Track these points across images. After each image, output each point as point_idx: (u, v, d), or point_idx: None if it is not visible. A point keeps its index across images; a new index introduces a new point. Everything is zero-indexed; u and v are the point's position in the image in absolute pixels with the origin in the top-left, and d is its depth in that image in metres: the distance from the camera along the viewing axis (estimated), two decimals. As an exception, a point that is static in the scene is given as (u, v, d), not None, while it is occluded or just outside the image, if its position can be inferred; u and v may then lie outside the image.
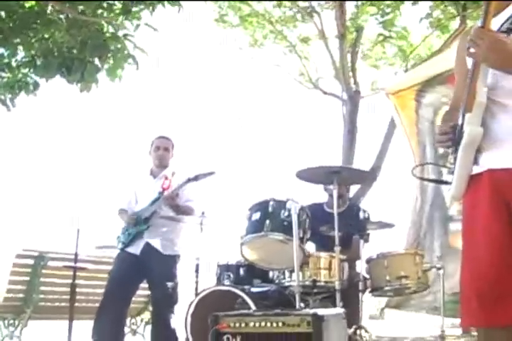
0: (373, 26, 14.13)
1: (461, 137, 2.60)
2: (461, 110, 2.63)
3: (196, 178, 6.04)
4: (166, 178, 6.33)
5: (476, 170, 2.63)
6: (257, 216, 5.35)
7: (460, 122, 2.63)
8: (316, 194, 6.66)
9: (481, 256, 2.57)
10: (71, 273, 5.73)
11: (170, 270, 6.14)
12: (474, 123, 2.57)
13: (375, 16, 13.81)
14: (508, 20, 2.63)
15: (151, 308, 7.09)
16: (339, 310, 4.44)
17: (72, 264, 5.78)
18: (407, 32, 14.07)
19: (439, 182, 3.01)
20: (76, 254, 5.73)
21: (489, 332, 2.58)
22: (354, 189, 11.91)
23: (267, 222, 5.22)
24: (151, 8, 8.38)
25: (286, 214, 5.22)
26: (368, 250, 5.92)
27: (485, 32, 2.48)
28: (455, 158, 2.67)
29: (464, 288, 2.62)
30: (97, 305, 6.19)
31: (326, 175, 5.31)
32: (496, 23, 2.66)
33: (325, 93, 14.36)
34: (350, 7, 13.44)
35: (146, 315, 8.22)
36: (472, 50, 2.50)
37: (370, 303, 7.88)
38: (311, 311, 3.71)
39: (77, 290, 5.68)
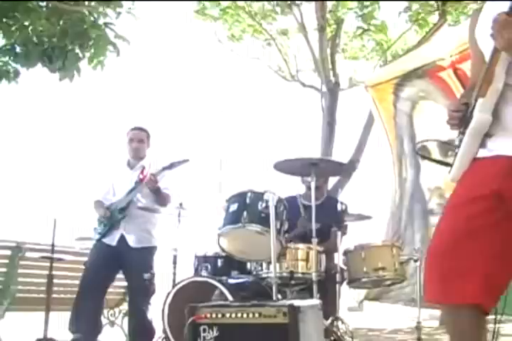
0: (352, 19, 14.16)
1: (470, 121, 2.57)
2: (475, 93, 2.59)
3: (171, 166, 6.08)
4: (143, 169, 6.32)
5: (483, 153, 2.60)
6: (234, 207, 5.35)
7: (472, 105, 2.59)
8: (293, 186, 6.66)
9: (453, 229, 2.57)
10: (49, 264, 5.72)
11: (146, 261, 6.17)
12: (485, 110, 2.53)
13: (354, 10, 13.84)
14: None
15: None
16: (315, 301, 4.45)
17: (49, 255, 5.77)
18: (386, 26, 14.09)
19: (442, 163, 2.96)
20: (53, 245, 5.72)
21: (450, 309, 2.57)
22: (332, 181, 11.96)
23: (245, 213, 5.22)
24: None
25: (264, 205, 5.23)
26: (346, 242, 5.96)
27: (510, 22, 2.37)
28: (461, 140, 2.65)
29: (428, 262, 2.62)
30: (76, 296, 6.19)
31: (303, 166, 5.33)
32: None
33: (304, 85, 14.37)
34: None
35: (125, 307, 8.19)
36: (494, 36, 2.42)
37: (349, 295, 7.92)
38: (288, 302, 3.72)
39: (56, 281, 5.68)
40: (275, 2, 13.57)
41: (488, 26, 2.43)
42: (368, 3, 13.57)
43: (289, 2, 13.21)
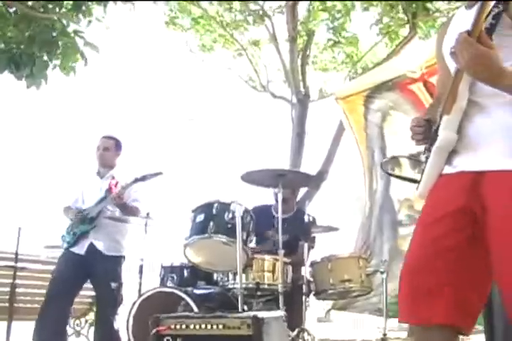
0: (324, 31, 14.21)
1: (436, 139, 2.58)
2: (440, 110, 2.60)
3: (143, 178, 6.02)
4: (113, 178, 6.28)
5: (448, 170, 2.61)
6: (201, 218, 5.37)
7: (438, 122, 2.59)
8: (267, 195, 6.65)
9: (422, 249, 2.57)
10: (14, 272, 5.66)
11: (114, 270, 6.11)
12: (450, 128, 2.54)
13: (325, 22, 13.89)
14: (489, 14, 2.49)
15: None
16: (280, 312, 4.45)
17: (13, 264, 5.71)
18: (357, 38, 14.15)
19: (409, 179, 2.97)
20: (16, 253, 5.66)
21: (421, 329, 2.54)
22: (301, 192, 11.95)
23: (211, 223, 5.24)
24: (102, 5, 8.32)
25: (231, 216, 5.25)
26: (314, 253, 5.96)
27: (470, 43, 2.35)
28: (427, 158, 2.66)
29: (401, 282, 2.60)
30: (42, 305, 6.12)
31: (271, 178, 5.34)
32: (467, 17, 2.56)
33: (274, 96, 14.37)
34: (301, 11, 13.47)
35: (91, 316, 8.13)
36: (455, 56, 2.41)
37: (317, 306, 7.91)
38: (252, 314, 3.72)
39: (22, 290, 5.60)
40: (247, 12, 13.58)
41: (453, 43, 2.43)
42: (339, 15, 13.63)
43: (261, 13, 13.23)
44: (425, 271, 2.51)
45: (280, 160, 13.80)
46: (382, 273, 5.74)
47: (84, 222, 6.15)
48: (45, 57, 8.23)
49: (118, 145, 6.51)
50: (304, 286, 5.51)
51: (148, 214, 5.96)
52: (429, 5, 11.96)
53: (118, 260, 6.18)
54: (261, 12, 13.30)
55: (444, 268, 2.48)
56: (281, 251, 5.17)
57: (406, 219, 7.74)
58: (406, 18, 12.44)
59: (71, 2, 8.45)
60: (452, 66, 2.57)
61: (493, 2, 2.49)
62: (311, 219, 5.98)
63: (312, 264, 5.73)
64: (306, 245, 5.60)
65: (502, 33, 2.51)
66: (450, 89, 2.54)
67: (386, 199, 8.14)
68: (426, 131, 2.70)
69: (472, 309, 2.52)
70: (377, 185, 8.30)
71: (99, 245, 6.10)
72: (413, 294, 2.52)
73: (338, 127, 12.31)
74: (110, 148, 6.45)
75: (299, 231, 5.79)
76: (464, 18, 2.65)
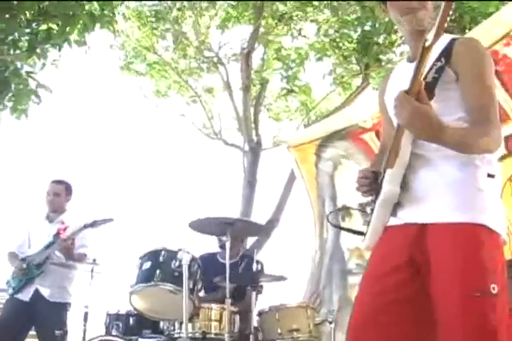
0: (278, 80, 14.35)
1: (380, 192, 2.59)
2: (383, 163, 2.61)
3: (93, 224, 5.94)
4: (63, 223, 6.19)
5: (393, 222, 2.62)
6: (147, 265, 5.31)
7: (382, 175, 2.60)
8: (212, 243, 6.61)
9: (366, 303, 2.56)
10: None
11: (59, 318, 6.01)
12: (393, 182, 2.55)
13: (279, 71, 14.04)
14: (431, 68, 2.57)
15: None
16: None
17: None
18: (310, 88, 14.31)
19: (354, 232, 2.96)
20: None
21: None
22: (251, 240, 11.90)
23: (158, 271, 5.19)
24: (57, 47, 8.27)
25: (177, 264, 5.20)
26: (262, 302, 5.90)
27: (408, 101, 2.38)
28: (372, 210, 2.67)
29: (347, 337, 2.58)
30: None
31: (219, 226, 5.31)
32: (408, 70, 2.60)
33: (227, 144, 14.41)
34: (256, 60, 13.62)
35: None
36: (395, 111, 2.44)
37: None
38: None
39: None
40: (201, 60, 13.66)
41: (393, 97, 2.46)
42: (293, 64, 13.79)
43: (215, 60, 13.32)
44: (370, 327, 2.50)
45: (231, 208, 13.77)
46: (330, 322, 5.68)
47: (30, 269, 6.04)
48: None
49: (68, 189, 6.44)
50: (251, 336, 5.43)
51: (94, 260, 5.85)
52: (381, 56, 12.17)
53: (63, 307, 6.09)
54: (216, 59, 13.39)
55: (388, 322, 2.48)
56: (228, 300, 5.11)
57: (356, 268, 7.72)
58: (359, 69, 12.63)
59: (26, 44, 8.39)
60: (395, 119, 2.58)
61: (434, 57, 2.56)
62: (259, 268, 5.94)
63: (260, 313, 5.66)
64: (254, 293, 5.54)
65: (446, 87, 2.54)
66: (392, 143, 2.56)
67: (336, 248, 8.12)
68: (371, 183, 2.71)
69: None
70: (327, 234, 8.29)
71: (45, 292, 6.00)
72: None
73: (289, 175, 12.36)
74: (60, 193, 6.38)
75: (247, 279, 5.73)
76: (405, 71, 2.69)
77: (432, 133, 2.38)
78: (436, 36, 2.38)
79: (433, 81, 2.55)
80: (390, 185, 2.56)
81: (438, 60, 2.59)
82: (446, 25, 2.40)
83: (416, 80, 2.42)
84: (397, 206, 2.59)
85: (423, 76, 2.50)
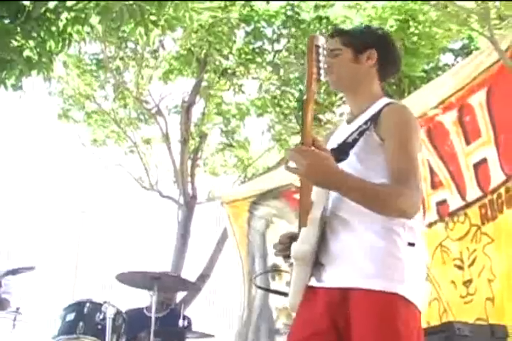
0: (217, 134, 14.41)
1: None
2: (298, 223, 2.56)
3: (15, 272, 5.83)
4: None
5: (315, 283, 2.57)
6: (71, 317, 5.24)
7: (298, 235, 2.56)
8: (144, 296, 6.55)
9: None
10: None
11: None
12: (305, 241, 2.49)
13: (218, 125, 14.12)
14: (357, 130, 2.59)
15: None
16: None
17: None
18: (248, 142, 14.41)
19: (278, 292, 2.94)
20: None
21: None
22: (181, 295, 11.77)
23: (81, 323, 5.14)
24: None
25: (102, 317, 5.14)
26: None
27: (305, 150, 2.37)
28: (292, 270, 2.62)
29: None
30: None
31: (146, 280, 5.27)
32: (346, 132, 2.66)
33: (162, 196, 14.32)
34: (196, 113, 13.67)
35: None
36: (293, 165, 2.37)
37: None
38: None
39: None
40: (139, 111, 13.66)
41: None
42: (233, 119, 13.89)
43: (153, 112, 13.32)
44: None
45: (163, 260, 13.66)
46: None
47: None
48: None
49: (-7, 237, 6.32)
50: None
51: (18, 308, 5.73)
52: (320, 116, 12.31)
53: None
54: (155, 111, 13.39)
55: None
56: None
57: (283, 327, 7.69)
58: (298, 127, 12.75)
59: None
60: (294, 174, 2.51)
61: (364, 120, 2.62)
62: (185, 324, 5.87)
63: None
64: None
65: (371, 150, 2.55)
66: (300, 200, 2.53)
67: (265, 307, 8.09)
68: (287, 248, 2.64)
69: None
70: (256, 292, 8.25)
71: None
72: None
73: (223, 231, 12.33)
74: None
75: (173, 335, 5.68)
76: (342, 133, 2.70)
77: (331, 180, 2.37)
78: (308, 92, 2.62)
79: (351, 142, 2.57)
80: (300, 242, 2.51)
81: (365, 122, 2.61)
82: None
83: (305, 133, 2.46)
84: (319, 267, 2.55)
85: (347, 136, 2.58)
